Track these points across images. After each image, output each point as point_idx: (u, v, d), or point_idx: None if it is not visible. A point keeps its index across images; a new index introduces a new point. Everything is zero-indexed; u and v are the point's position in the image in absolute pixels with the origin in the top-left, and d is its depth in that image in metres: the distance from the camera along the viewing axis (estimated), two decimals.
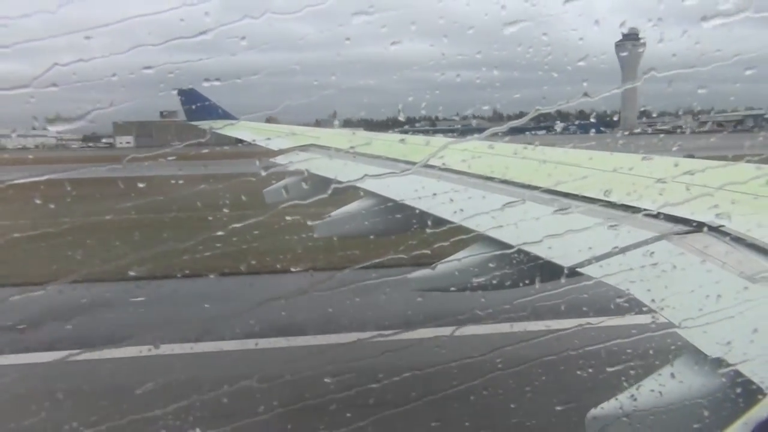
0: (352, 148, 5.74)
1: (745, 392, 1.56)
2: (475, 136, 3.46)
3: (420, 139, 4.62)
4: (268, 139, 8.89)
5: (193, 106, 11.09)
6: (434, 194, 3.65)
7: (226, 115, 11.56)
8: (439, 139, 4.38)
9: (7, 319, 9.19)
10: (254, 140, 9.48)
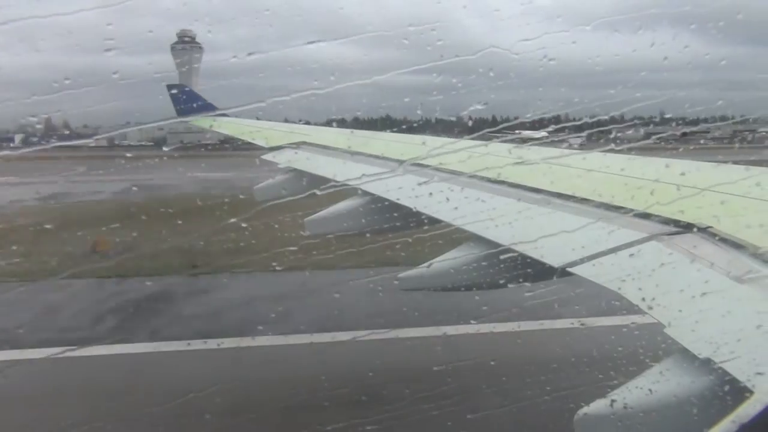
0: (349, 147, 5.72)
1: (732, 391, 1.57)
2: None
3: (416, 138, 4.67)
4: (263, 136, 8.83)
5: (184, 103, 11.01)
6: (430, 193, 3.65)
7: (220, 113, 11.45)
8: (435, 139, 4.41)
9: None
10: (245, 137, 9.43)
